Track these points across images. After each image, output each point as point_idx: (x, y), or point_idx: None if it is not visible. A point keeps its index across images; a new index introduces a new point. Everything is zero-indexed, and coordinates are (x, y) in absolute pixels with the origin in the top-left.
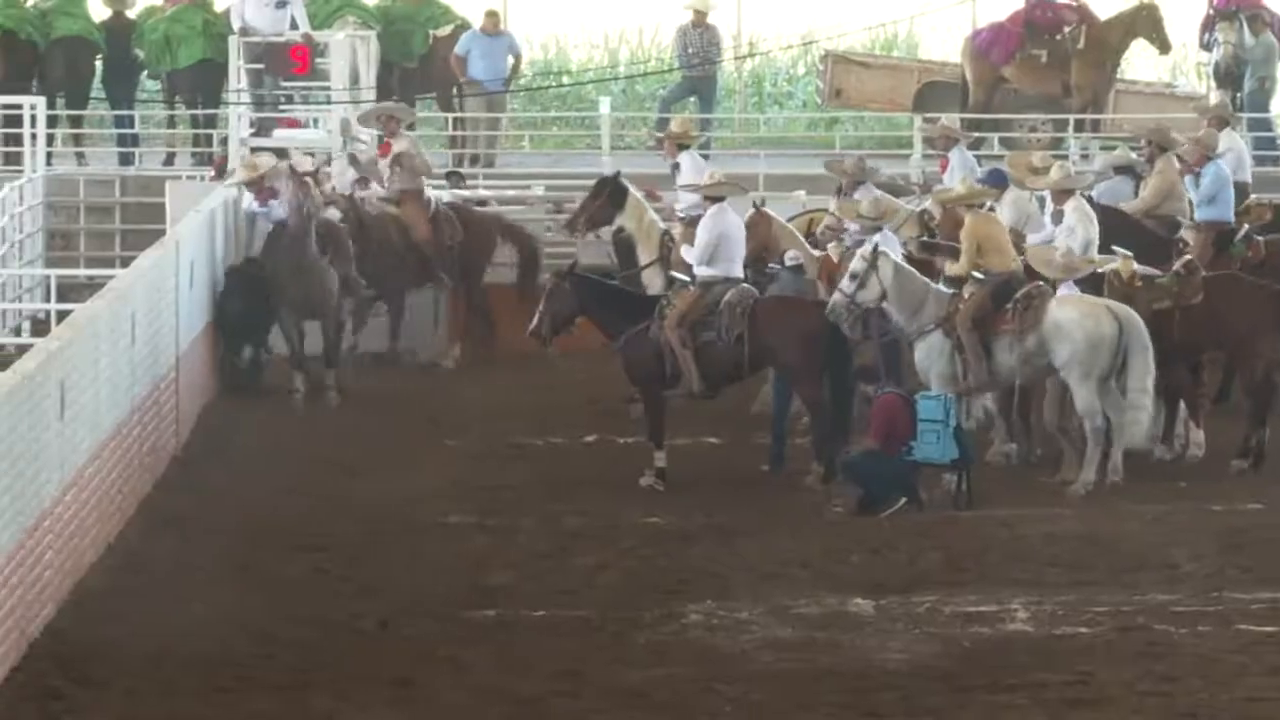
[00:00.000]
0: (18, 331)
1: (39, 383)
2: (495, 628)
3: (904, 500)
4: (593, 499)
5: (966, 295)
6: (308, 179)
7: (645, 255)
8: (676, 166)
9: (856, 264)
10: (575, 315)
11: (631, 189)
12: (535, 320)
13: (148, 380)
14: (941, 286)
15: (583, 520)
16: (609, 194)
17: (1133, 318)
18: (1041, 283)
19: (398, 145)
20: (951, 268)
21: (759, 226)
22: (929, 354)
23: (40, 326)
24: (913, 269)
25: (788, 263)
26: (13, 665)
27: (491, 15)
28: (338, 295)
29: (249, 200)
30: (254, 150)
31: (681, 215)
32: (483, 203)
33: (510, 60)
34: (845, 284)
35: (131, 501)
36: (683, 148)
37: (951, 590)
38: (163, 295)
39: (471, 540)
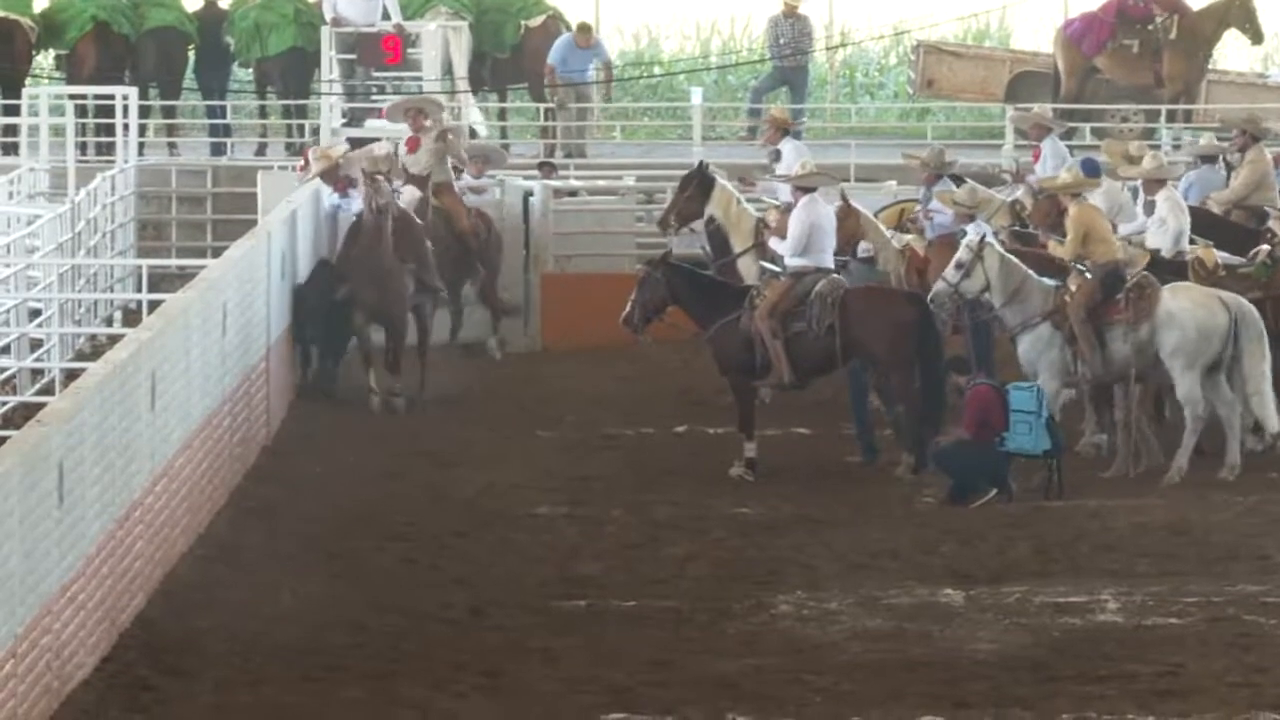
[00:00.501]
0: (109, 321)
1: (130, 373)
2: (585, 618)
3: (994, 492)
4: (683, 489)
5: (1073, 286)
6: (379, 176)
7: (738, 243)
8: (777, 154)
9: (963, 254)
10: (666, 304)
11: (719, 178)
12: (627, 309)
13: (239, 370)
14: (1044, 278)
15: (673, 510)
16: (696, 186)
17: (1245, 307)
18: (1148, 273)
19: (428, 139)
20: (1056, 249)
21: (847, 219)
22: (1035, 345)
23: (132, 317)
24: (1017, 260)
25: (860, 254)
26: (103, 655)
27: (584, 30)
28: (411, 298)
29: (328, 196)
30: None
31: (778, 203)
32: (574, 193)
33: (598, 71)
34: (950, 273)
35: (222, 491)
36: (785, 134)
37: (1041, 581)
38: (254, 285)
39: (562, 530)
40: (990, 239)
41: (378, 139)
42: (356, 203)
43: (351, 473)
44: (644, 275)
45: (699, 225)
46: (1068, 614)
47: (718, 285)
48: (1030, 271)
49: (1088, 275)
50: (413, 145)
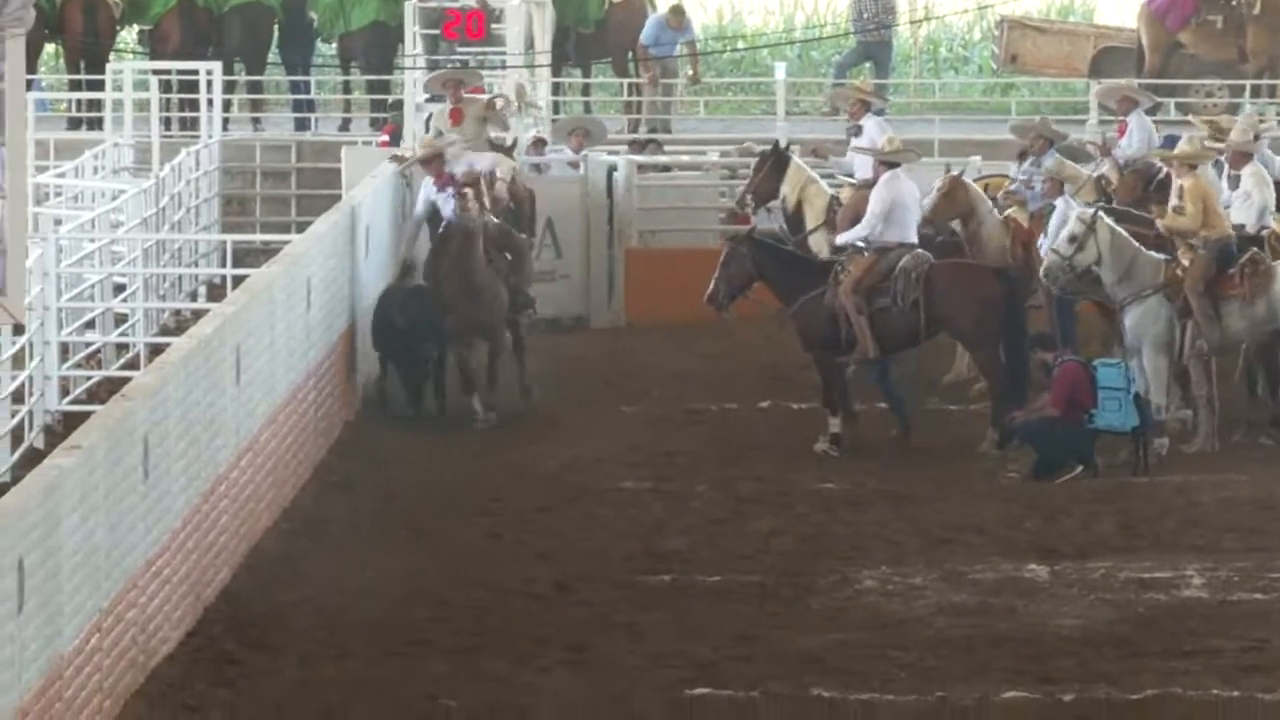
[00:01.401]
0: (194, 296)
1: (215, 348)
2: (670, 593)
3: (1080, 469)
4: (767, 464)
5: (1185, 260)
6: (467, 191)
7: (811, 220)
8: (858, 129)
9: (1075, 227)
10: (752, 280)
11: (794, 157)
12: (712, 286)
13: (323, 345)
14: (1152, 252)
15: (757, 485)
16: (771, 165)
17: None
18: (1258, 249)
19: (473, 110)
20: (1174, 220)
21: (957, 193)
22: (1144, 318)
23: (216, 291)
24: (1128, 234)
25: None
26: (188, 629)
27: (677, 12)
28: (507, 313)
29: (428, 187)
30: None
31: (853, 180)
32: (666, 168)
33: (684, 49)
34: (1064, 246)
35: (306, 466)
36: (867, 110)
37: (1126, 556)
38: (338, 260)
39: (647, 505)
40: (1100, 213)
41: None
42: (447, 206)
43: (435, 447)
44: (729, 251)
45: (775, 204)
46: (1152, 589)
47: (802, 261)
48: (1139, 245)
49: (1200, 250)
50: (456, 117)
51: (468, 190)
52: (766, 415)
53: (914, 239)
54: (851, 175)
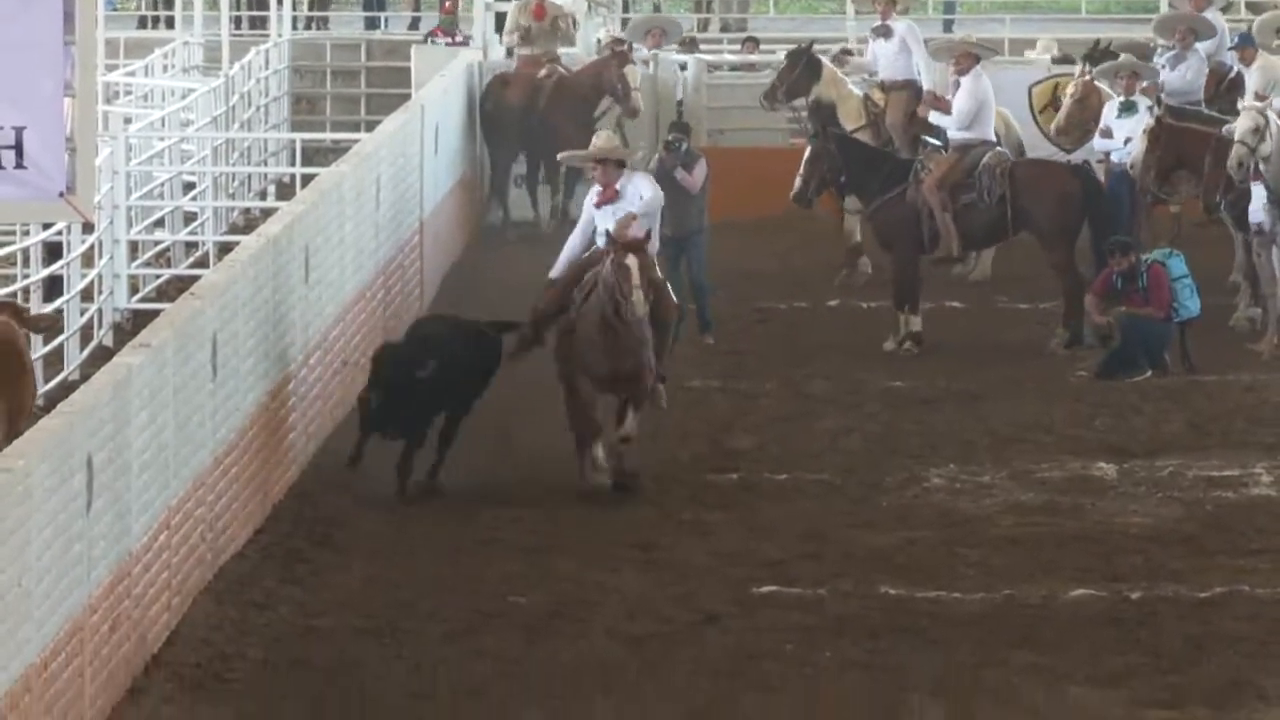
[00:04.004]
0: (263, 196)
1: (284, 246)
2: (738, 491)
3: (1149, 372)
4: (836, 363)
5: None
6: (629, 263)
7: (848, 122)
8: (887, 30)
9: (1259, 119)
10: (838, 176)
11: (825, 61)
12: (800, 183)
13: (391, 244)
14: None
15: (826, 384)
16: (804, 66)
17: None
18: None
19: (552, 10)
20: None
21: (1090, 97)
22: None
23: (285, 190)
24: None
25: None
26: (256, 527)
27: None
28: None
29: (592, 195)
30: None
31: (884, 79)
32: (737, 68)
33: None
34: (1249, 137)
35: None
36: (895, 9)
37: (1195, 454)
38: (407, 159)
39: (714, 404)
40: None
41: None
42: (608, 219)
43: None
44: (817, 148)
45: (800, 103)
46: (1221, 488)
47: (885, 158)
48: None
49: None
50: (540, 13)
51: (629, 263)
52: (835, 314)
53: (993, 136)
54: (874, 74)
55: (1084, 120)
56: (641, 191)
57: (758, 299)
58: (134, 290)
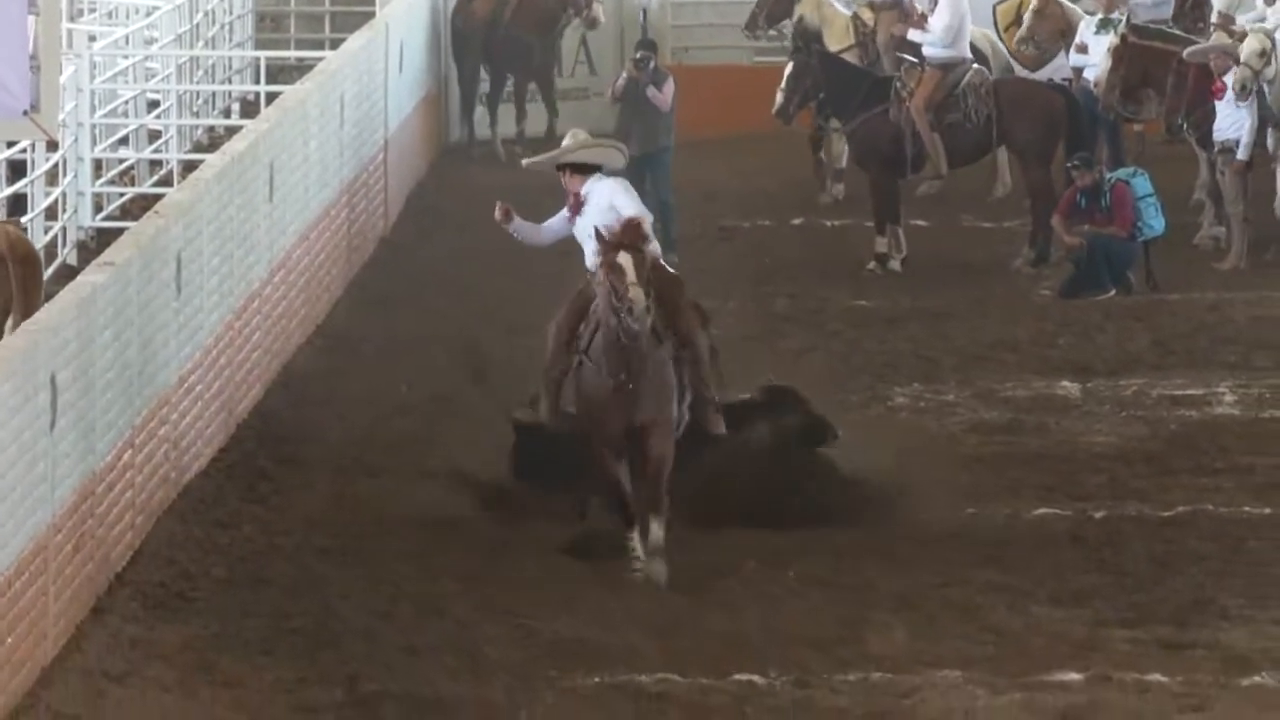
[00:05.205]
0: (227, 113)
1: (248, 164)
2: None
3: (1113, 291)
4: (800, 282)
5: None
6: (621, 264)
7: (833, 43)
8: None
9: (1265, 42)
10: (818, 93)
11: None
12: (781, 99)
13: (356, 162)
14: None
15: (789, 303)
16: None
17: None
18: None
19: None
20: None
21: (1048, 7)
22: None
23: (249, 108)
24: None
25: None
26: (220, 446)
27: None
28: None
29: (564, 213)
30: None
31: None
32: None
33: None
34: (1255, 60)
35: (339, 283)
36: None
37: (1159, 373)
38: (372, 77)
39: None
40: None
41: None
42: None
43: (471, 263)
44: (800, 64)
45: (785, 26)
46: (1185, 406)
47: (865, 75)
48: None
49: None
50: None
51: (621, 263)
52: (799, 231)
53: (969, 54)
54: None
55: (1052, 33)
56: (613, 199)
57: (721, 217)
58: (98, 208)
